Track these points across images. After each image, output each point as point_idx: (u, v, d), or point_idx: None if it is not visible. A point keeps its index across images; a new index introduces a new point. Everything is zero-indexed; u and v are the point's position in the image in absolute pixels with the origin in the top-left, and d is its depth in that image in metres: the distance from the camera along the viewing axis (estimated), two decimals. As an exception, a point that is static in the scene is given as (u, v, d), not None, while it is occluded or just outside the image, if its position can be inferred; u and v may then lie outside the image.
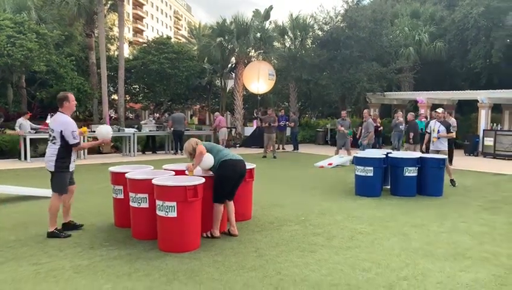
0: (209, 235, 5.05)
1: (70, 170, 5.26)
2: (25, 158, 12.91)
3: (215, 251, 4.63)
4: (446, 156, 8.58)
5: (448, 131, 9.17)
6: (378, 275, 4.03)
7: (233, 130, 21.51)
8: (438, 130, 9.17)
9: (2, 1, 17.91)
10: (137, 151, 15.52)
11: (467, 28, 20.19)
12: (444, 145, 9.18)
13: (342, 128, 13.37)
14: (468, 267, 4.27)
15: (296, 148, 17.62)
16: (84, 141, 5.36)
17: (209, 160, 4.94)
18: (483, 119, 16.87)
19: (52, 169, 5.12)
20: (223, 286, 3.72)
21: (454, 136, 10.51)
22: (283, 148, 17.82)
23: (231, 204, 5.22)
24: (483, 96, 16.84)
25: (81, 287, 3.67)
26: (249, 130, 21.18)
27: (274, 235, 5.29)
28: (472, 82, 21.90)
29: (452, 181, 8.97)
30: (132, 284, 3.75)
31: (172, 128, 15.69)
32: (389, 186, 8.23)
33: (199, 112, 34.70)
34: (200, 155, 4.90)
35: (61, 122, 5.08)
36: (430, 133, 9.54)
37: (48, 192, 7.52)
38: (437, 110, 9.78)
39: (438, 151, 9.02)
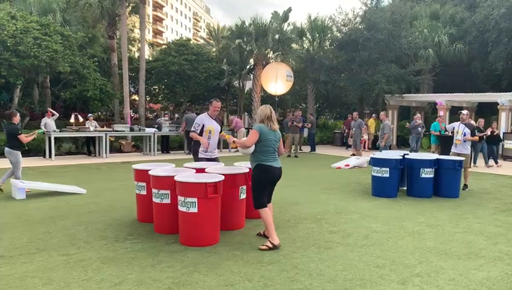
0: (270, 245, 4.70)
1: (200, 155, 6.41)
2: (50, 156, 13.33)
3: (234, 246, 4.81)
4: (464, 159, 8.52)
5: (472, 134, 8.90)
6: (392, 271, 4.15)
7: (251, 130, 21.71)
8: (464, 133, 8.81)
9: (28, 4, 18.48)
10: (157, 150, 15.83)
11: (487, 29, 19.98)
12: (467, 149, 8.89)
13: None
14: (481, 265, 4.36)
15: (313, 149, 17.75)
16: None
17: (249, 151, 4.84)
18: (504, 121, 16.68)
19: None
20: (241, 278, 3.90)
21: (478, 139, 10.18)
22: (300, 149, 17.95)
23: (270, 206, 5.00)
24: (504, 98, 16.66)
25: (108, 277, 3.89)
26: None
27: (291, 232, 5.45)
28: (493, 84, 21.64)
29: (465, 186, 8.83)
30: (156, 274, 3.96)
31: (185, 129, 15.93)
32: (405, 188, 8.30)
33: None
34: (244, 145, 4.82)
35: (198, 117, 6.58)
36: (447, 131, 9.36)
37: (73, 188, 7.88)
38: (462, 112, 9.34)
39: (458, 154, 8.74)
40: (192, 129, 6.43)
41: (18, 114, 8.21)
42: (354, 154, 14.69)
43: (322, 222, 6.02)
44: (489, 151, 13.50)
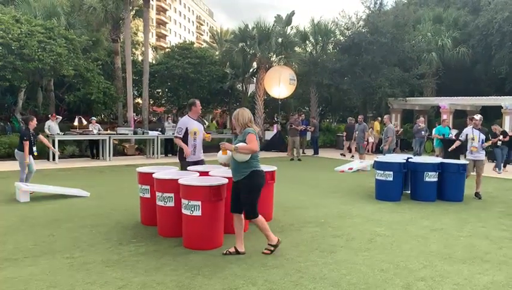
0: (271, 248, 4.68)
1: (188, 159, 6.27)
2: (53, 159, 13.36)
3: (238, 249, 4.80)
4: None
5: (487, 139, 8.63)
6: (396, 275, 4.14)
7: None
8: (482, 140, 8.43)
9: (33, 8, 18.57)
10: (161, 153, 15.84)
11: (491, 33, 19.97)
12: (483, 155, 8.56)
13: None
14: (486, 270, 4.34)
15: (316, 152, 17.75)
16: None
17: (246, 158, 4.52)
18: (507, 125, 16.64)
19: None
20: (245, 282, 3.89)
21: (491, 143, 9.89)
22: (303, 153, 17.96)
23: (242, 217, 4.73)
24: (507, 102, 16.62)
25: (112, 280, 3.89)
26: (269, 135, 21.36)
27: (295, 236, 5.44)
28: (497, 88, 21.60)
29: (477, 194, 8.38)
30: (160, 278, 3.96)
31: None
32: (409, 191, 8.28)
33: (220, 116, 35.06)
34: (252, 150, 4.50)
35: (180, 121, 6.45)
36: (462, 141, 8.89)
37: (76, 191, 7.89)
38: (475, 117, 8.78)
39: (475, 161, 8.41)
40: (176, 134, 6.30)
41: (34, 119, 8.42)
42: (352, 156, 14.77)
43: (325, 225, 6.01)
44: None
